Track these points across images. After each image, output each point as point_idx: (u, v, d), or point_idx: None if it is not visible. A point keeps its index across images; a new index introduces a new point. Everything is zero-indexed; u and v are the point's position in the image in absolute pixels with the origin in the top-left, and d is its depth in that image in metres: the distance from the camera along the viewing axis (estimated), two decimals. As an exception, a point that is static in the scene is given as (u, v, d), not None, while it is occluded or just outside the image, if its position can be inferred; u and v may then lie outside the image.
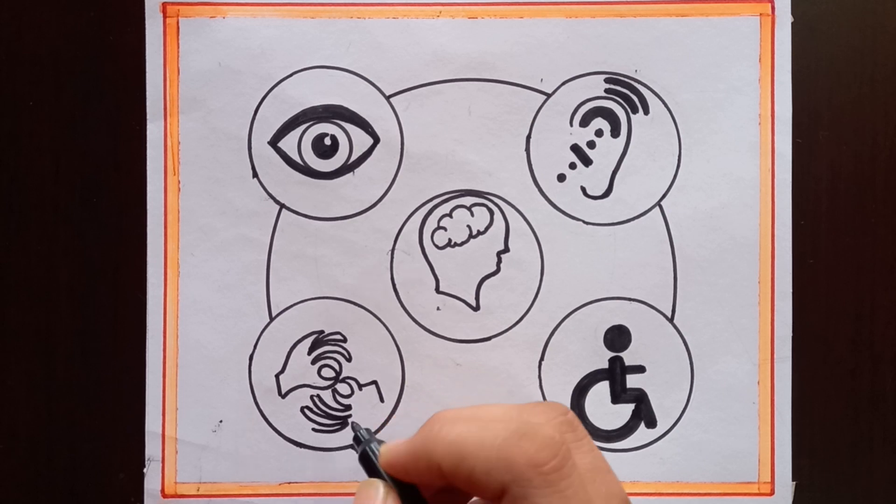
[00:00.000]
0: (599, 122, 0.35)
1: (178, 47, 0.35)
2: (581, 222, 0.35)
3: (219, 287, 0.35)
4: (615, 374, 0.35)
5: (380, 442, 0.29)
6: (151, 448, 0.35)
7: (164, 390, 0.35)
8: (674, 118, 0.35)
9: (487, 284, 0.35)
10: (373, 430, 0.35)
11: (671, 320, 0.35)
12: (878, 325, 0.35)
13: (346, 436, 0.35)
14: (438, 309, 0.35)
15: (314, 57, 0.35)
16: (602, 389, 0.35)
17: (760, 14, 0.35)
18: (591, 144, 0.35)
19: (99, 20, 0.35)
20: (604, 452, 0.35)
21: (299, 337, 0.35)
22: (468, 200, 0.35)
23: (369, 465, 0.29)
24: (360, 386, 0.35)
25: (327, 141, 0.35)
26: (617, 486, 0.26)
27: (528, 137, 0.35)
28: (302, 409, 0.35)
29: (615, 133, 0.35)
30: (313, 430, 0.35)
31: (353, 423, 0.31)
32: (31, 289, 0.35)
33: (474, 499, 0.28)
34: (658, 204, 0.35)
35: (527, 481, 0.24)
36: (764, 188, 0.35)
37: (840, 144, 0.35)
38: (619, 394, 0.35)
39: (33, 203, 0.35)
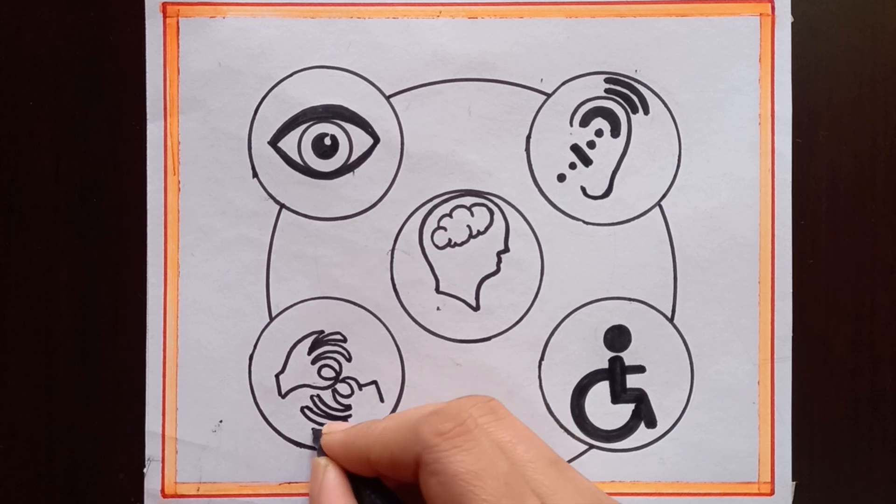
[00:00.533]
0: (599, 122, 0.35)
1: (178, 47, 0.35)
2: (581, 222, 0.35)
3: (219, 287, 0.35)
4: (615, 374, 0.35)
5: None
6: (151, 448, 0.35)
7: (164, 390, 0.35)
8: (674, 118, 0.35)
9: (487, 284, 0.35)
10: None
11: (671, 320, 0.35)
12: (878, 325, 0.35)
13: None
14: (438, 309, 0.35)
15: (314, 57, 0.35)
16: (602, 389, 0.35)
17: (760, 14, 0.35)
18: (591, 144, 0.35)
19: (99, 20, 0.35)
20: (604, 453, 0.35)
21: (299, 337, 0.35)
22: (468, 200, 0.35)
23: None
24: (360, 386, 0.35)
25: (327, 141, 0.35)
26: (540, 446, 0.28)
27: (528, 137, 0.35)
28: (302, 409, 0.35)
29: (615, 133, 0.35)
30: (313, 430, 0.35)
31: (313, 429, 0.34)
32: (31, 289, 0.35)
33: None
34: (658, 204, 0.35)
35: (433, 447, 0.26)
36: (764, 188, 0.35)
37: (840, 144, 0.35)
38: (619, 394, 0.35)
39: (33, 203, 0.35)
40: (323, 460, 0.31)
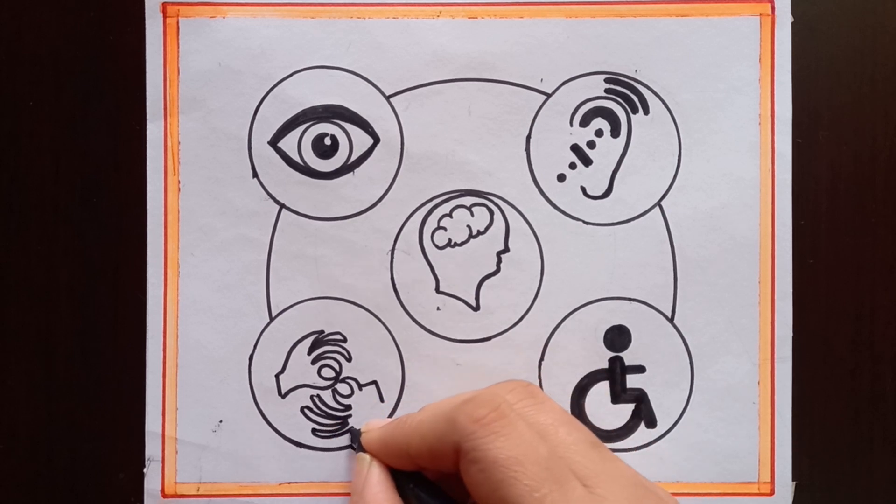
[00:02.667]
0: (599, 122, 0.35)
1: (178, 47, 0.35)
2: (581, 222, 0.35)
3: (219, 287, 0.35)
4: (615, 374, 0.35)
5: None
6: (151, 448, 0.35)
7: (164, 390, 0.35)
8: (674, 118, 0.35)
9: (487, 284, 0.35)
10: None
11: (671, 320, 0.35)
12: (878, 325, 0.35)
13: (347, 436, 0.35)
14: (438, 309, 0.35)
15: (314, 57, 0.35)
16: (602, 389, 0.35)
17: (760, 14, 0.35)
18: (591, 144, 0.35)
19: (99, 20, 0.35)
20: (604, 452, 0.35)
21: (299, 337, 0.35)
22: (468, 200, 0.35)
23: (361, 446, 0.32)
24: (360, 386, 0.35)
25: (327, 141, 0.35)
26: (581, 430, 0.28)
27: (528, 137, 0.35)
28: (302, 409, 0.35)
29: (615, 133, 0.35)
30: (313, 430, 0.35)
31: (350, 428, 0.34)
32: (31, 289, 0.35)
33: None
34: (658, 204, 0.35)
35: (471, 434, 0.26)
36: (764, 188, 0.35)
37: (840, 144, 0.35)
38: (619, 394, 0.35)
39: (33, 203, 0.35)
40: (367, 456, 0.31)
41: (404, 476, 0.31)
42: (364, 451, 0.32)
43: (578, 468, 0.26)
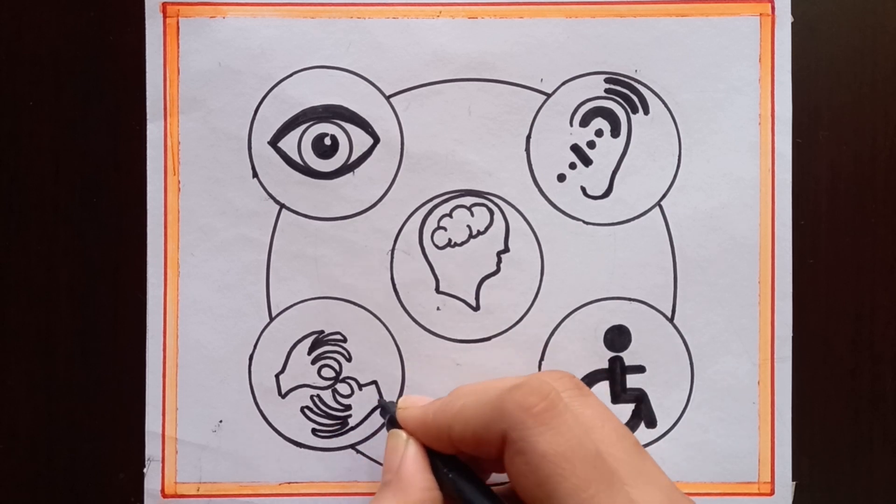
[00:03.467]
0: (599, 122, 0.35)
1: (178, 47, 0.35)
2: (581, 222, 0.35)
3: (219, 287, 0.35)
4: (615, 374, 0.35)
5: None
6: (151, 448, 0.35)
7: (164, 390, 0.35)
8: (674, 118, 0.35)
9: (487, 284, 0.35)
10: (374, 430, 0.35)
11: (671, 320, 0.35)
12: (878, 325, 0.35)
13: (347, 436, 0.35)
14: (438, 309, 0.35)
15: (314, 57, 0.35)
16: (602, 389, 0.35)
17: (760, 14, 0.35)
18: (591, 144, 0.35)
19: (99, 20, 0.35)
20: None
21: (299, 337, 0.35)
22: (468, 200, 0.35)
23: (393, 422, 0.31)
24: (360, 386, 0.35)
25: (327, 141, 0.35)
26: (624, 429, 0.27)
27: (528, 137, 0.35)
28: (302, 409, 0.35)
29: (615, 133, 0.35)
30: (313, 430, 0.35)
31: (381, 402, 0.34)
32: (31, 289, 0.35)
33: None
34: (658, 204, 0.35)
35: (520, 423, 0.25)
36: (764, 188, 0.35)
37: (840, 144, 0.35)
38: (619, 394, 0.35)
39: (33, 203, 0.35)
40: (404, 434, 0.30)
41: (440, 458, 0.30)
42: (397, 427, 0.31)
43: (624, 469, 0.25)
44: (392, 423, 0.31)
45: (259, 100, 0.35)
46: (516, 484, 0.26)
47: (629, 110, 0.35)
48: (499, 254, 0.35)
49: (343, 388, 0.35)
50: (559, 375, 0.28)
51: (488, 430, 0.26)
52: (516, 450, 0.25)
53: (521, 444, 0.25)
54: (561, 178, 0.35)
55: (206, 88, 0.35)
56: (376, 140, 0.35)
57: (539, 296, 0.35)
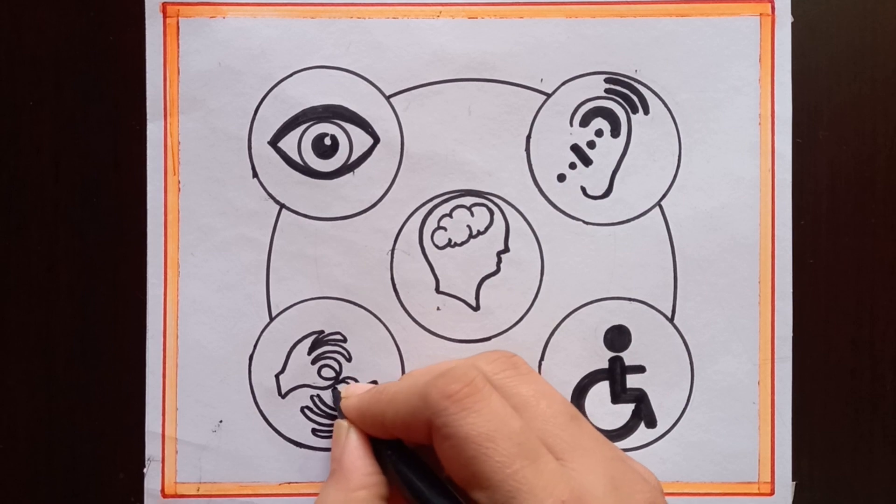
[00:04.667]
0: (599, 122, 0.35)
1: (178, 47, 0.35)
2: (581, 222, 0.35)
3: (219, 287, 0.35)
4: (615, 374, 0.35)
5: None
6: (151, 448, 0.35)
7: (164, 390, 0.35)
8: (674, 118, 0.35)
9: (487, 284, 0.35)
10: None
11: (671, 320, 0.35)
12: (878, 325, 0.35)
13: (346, 436, 0.35)
14: (438, 309, 0.35)
15: (314, 57, 0.35)
16: (602, 389, 0.35)
17: (760, 14, 0.35)
18: (591, 144, 0.35)
19: (99, 20, 0.35)
20: (604, 452, 0.35)
21: (299, 337, 0.35)
22: (468, 200, 0.35)
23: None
24: (360, 386, 0.35)
25: (327, 141, 0.35)
26: (564, 404, 0.28)
27: (528, 137, 0.35)
28: (302, 409, 0.35)
29: (615, 133, 0.35)
30: (313, 430, 0.35)
31: (333, 390, 0.34)
32: (31, 289, 0.35)
33: None
34: (658, 204, 0.35)
35: (443, 410, 0.26)
36: (764, 188, 0.35)
37: (840, 144, 0.35)
38: (619, 394, 0.35)
39: (33, 203, 0.35)
40: (345, 423, 0.31)
41: (383, 444, 0.30)
42: (344, 417, 0.32)
43: (554, 441, 0.26)
44: (341, 413, 0.32)
45: (259, 100, 0.35)
46: (448, 468, 0.27)
47: (629, 110, 0.35)
48: (499, 254, 0.35)
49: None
50: (494, 357, 0.29)
51: (415, 417, 0.27)
52: (442, 435, 0.26)
53: (446, 429, 0.26)
54: (561, 178, 0.35)
55: (206, 88, 0.35)
56: (376, 140, 0.35)
57: (539, 296, 0.35)
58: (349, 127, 0.35)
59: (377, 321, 0.35)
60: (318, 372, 0.35)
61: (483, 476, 0.25)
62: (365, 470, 0.30)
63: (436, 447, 0.27)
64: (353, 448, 0.30)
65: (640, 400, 0.35)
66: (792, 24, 0.35)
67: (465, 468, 0.26)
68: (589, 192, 0.35)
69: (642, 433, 0.35)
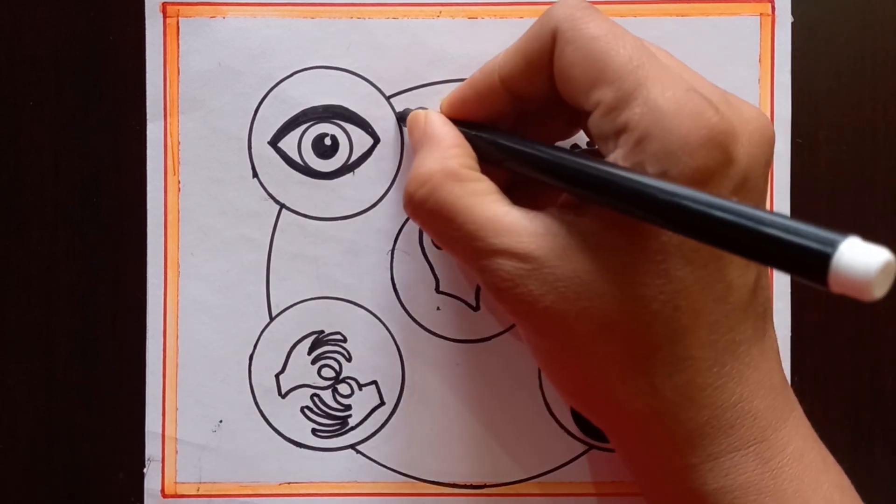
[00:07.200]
0: (599, 122, 0.35)
1: (178, 47, 0.35)
2: (581, 222, 0.35)
3: (219, 287, 0.35)
4: (615, 374, 0.35)
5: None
6: (151, 448, 0.35)
7: (164, 390, 0.35)
8: (674, 118, 0.35)
9: (487, 284, 0.35)
10: (374, 430, 0.35)
11: (671, 320, 0.35)
12: (878, 325, 0.35)
13: (347, 437, 0.35)
14: (438, 309, 0.35)
15: (314, 57, 0.35)
16: (602, 389, 0.35)
17: (760, 14, 0.35)
18: (592, 144, 0.35)
19: (99, 20, 0.35)
20: (604, 453, 0.35)
21: (299, 337, 0.35)
22: (468, 200, 0.35)
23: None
24: (360, 386, 0.35)
25: (327, 141, 0.35)
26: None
27: (528, 137, 0.35)
28: (302, 409, 0.35)
29: (615, 133, 0.35)
30: (313, 430, 0.35)
31: (399, 112, 0.34)
32: (31, 289, 0.35)
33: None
34: (658, 204, 0.35)
35: (569, 16, 0.27)
36: (764, 188, 0.35)
37: (840, 144, 0.35)
38: (619, 394, 0.35)
39: (33, 203, 0.35)
40: (420, 111, 0.32)
41: (475, 127, 0.30)
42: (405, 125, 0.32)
43: (659, 52, 0.29)
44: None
45: (259, 100, 0.35)
46: (565, 80, 0.27)
47: (629, 110, 0.35)
48: (499, 254, 0.35)
49: (343, 388, 0.35)
50: None
51: (538, 39, 0.28)
52: (567, 39, 0.27)
53: (573, 32, 0.27)
54: (561, 178, 0.35)
55: (206, 88, 0.35)
56: (376, 140, 0.35)
57: (539, 296, 0.35)
58: (349, 127, 0.35)
59: (377, 321, 0.35)
60: (318, 372, 0.35)
61: (611, 69, 0.26)
62: (454, 134, 0.30)
63: (556, 59, 0.27)
64: (436, 121, 0.30)
65: (640, 400, 0.35)
66: (792, 24, 0.35)
67: (592, 66, 0.26)
68: (589, 192, 0.35)
69: (642, 433, 0.35)
